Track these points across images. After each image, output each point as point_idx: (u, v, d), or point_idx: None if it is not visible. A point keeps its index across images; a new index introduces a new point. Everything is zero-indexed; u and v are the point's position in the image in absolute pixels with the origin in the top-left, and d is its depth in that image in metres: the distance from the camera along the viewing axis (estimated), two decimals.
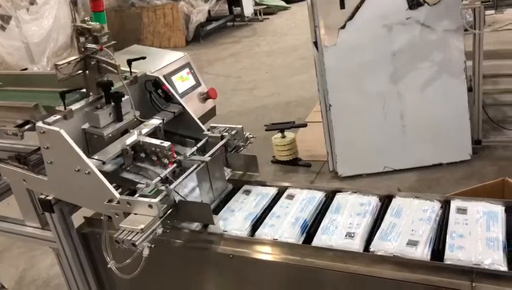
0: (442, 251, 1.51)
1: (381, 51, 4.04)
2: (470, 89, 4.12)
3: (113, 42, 1.99)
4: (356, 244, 1.61)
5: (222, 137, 2.05)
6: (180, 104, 2.17)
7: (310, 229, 1.74)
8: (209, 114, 2.50)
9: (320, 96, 4.20)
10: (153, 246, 1.61)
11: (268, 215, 1.85)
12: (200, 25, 9.69)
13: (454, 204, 1.69)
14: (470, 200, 1.68)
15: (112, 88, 1.98)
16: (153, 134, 2.04)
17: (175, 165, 1.90)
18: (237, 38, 9.66)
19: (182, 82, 2.40)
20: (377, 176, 4.11)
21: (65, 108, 1.87)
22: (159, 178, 1.80)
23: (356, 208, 1.78)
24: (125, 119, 2.01)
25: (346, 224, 1.71)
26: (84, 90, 2.02)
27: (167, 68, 2.38)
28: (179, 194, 1.81)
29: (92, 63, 1.94)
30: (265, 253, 1.67)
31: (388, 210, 1.74)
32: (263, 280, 1.71)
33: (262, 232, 1.76)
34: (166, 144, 1.91)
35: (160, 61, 2.41)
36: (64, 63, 1.90)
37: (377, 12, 3.91)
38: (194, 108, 2.30)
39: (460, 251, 1.48)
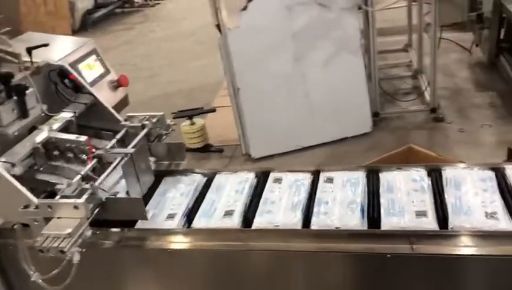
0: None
1: (283, 31, 4.10)
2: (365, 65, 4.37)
3: (7, 28, 1.76)
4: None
5: (143, 126, 1.93)
6: (92, 94, 2.00)
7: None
8: (122, 103, 2.34)
9: (227, 79, 4.17)
10: (83, 250, 1.47)
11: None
12: (87, 13, 9.08)
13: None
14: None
15: (12, 80, 1.76)
16: (65, 129, 1.86)
17: (95, 160, 1.75)
18: (129, 25, 9.22)
19: (89, 70, 2.20)
20: (289, 154, 4.20)
21: None
22: (79, 176, 1.64)
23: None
24: (32, 115, 1.81)
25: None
26: None
27: (72, 56, 2.17)
28: (104, 191, 1.67)
29: None
30: (204, 242, 1.61)
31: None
32: (207, 270, 1.64)
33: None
34: (83, 138, 1.76)
35: (63, 48, 2.18)
36: None
37: None
38: (105, 98, 2.13)
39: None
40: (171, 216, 1.74)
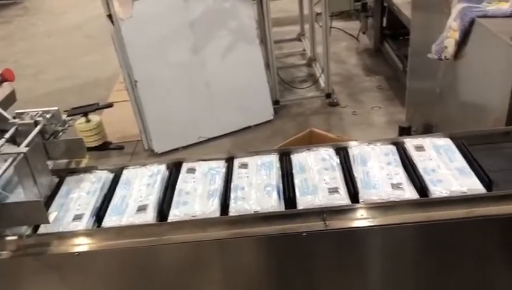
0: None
1: (179, 21, 4.02)
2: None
3: None
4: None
5: (36, 123, 1.76)
6: None
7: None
8: (8, 100, 2.09)
9: (123, 73, 3.98)
10: None
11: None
12: None
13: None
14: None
15: None
16: None
17: None
18: (7, 18, 8.41)
19: None
20: (193, 147, 4.15)
21: None
22: None
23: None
24: None
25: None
26: None
27: None
28: None
29: None
30: (116, 241, 1.51)
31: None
32: (123, 270, 1.54)
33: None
34: None
35: None
36: None
37: None
38: None
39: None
40: (78, 217, 1.60)
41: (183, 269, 1.54)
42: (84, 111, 4.09)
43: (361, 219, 1.50)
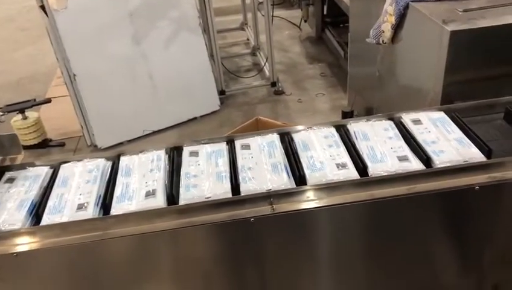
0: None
1: (118, 11, 3.90)
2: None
3: None
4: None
5: None
6: None
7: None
8: None
9: (61, 66, 3.82)
10: None
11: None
12: None
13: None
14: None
15: None
16: None
17: None
18: None
19: None
20: (138, 140, 4.06)
21: None
22: None
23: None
24: None
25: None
26: None
27: None
28: None
29: None
30: (61, 238, 1.45)
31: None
32: (72, 268, 1.49)
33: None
34: None
35: None
36: None
37: None
38: None
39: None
40: (82, 206, 1.53)
41: (130, 262, 1.51)
42: (20, 108, 3.89)
43: (307, 200, 1.52)
